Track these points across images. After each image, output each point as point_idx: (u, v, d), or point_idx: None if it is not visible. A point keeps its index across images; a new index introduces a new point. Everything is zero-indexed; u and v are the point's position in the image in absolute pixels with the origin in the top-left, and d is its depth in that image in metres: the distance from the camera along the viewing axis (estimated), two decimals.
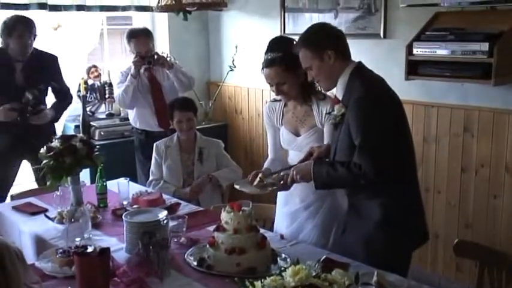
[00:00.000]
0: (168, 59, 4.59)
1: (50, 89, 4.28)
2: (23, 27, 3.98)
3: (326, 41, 2.56)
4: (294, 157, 3.00)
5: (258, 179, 2.77)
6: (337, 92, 2.61)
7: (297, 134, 2.99)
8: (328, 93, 2.87)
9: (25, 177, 4.53)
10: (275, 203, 3.22)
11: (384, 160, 2.42)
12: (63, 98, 4.37)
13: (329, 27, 2.65)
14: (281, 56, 2.81)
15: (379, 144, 2.42)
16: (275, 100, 3.11)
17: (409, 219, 2.57)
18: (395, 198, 2.51)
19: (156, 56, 4.41)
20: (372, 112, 2.42)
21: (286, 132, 3.02)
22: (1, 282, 1.64)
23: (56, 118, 4.29)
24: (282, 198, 3.11)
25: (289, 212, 3.04)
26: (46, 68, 4.18)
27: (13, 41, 4.00)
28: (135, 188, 3.51)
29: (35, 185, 4.16)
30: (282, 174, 2.77)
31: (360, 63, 2.59)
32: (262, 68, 2.91)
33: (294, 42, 2.75)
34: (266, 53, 2.90)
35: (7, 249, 1.68)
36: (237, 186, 2.85)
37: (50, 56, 4.26)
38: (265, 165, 3.13)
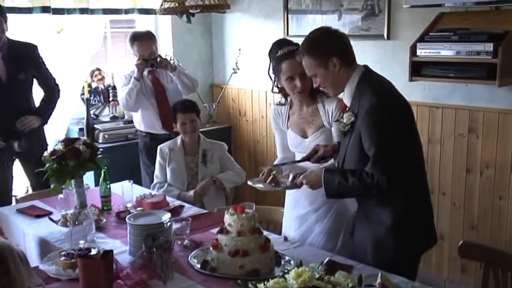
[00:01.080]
0: (171, 61, 4.60)
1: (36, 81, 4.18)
2: None
3: (330, 48, 2.49)
4: None
5: (272, 176, 2.76)
6: (344, 98, 2.56)
7: (304, 136, 2.96)
8: None
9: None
10: (281, 205, 3.21)
11: (398, 170, 2.40)
12: (50, 95, 4.22)
13: (333, 32, 2.57)
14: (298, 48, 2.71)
15: (392, 155, 2.40)
16: (280, 103, 3.09)
17: (419, 223, 2.56)
18: (407, 204, 2.49)
19: (159, 59, 4.41)
20: (385, 123, 2.38)
21: (294, 134, 3.00)
22: (5, 285, 1.64)
23: (45, 120, 4.17)
24: (290, 201, 3.10)
25: (298, 215, 3.02)
26: (25, 55, 4.08)
27: None
28: (138, 190, 3.51)
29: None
30: (293, 175, 2.76)
31: (366, 67, 2.55)
32: (280, 63, 2.84)
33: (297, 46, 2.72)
34: (279, 48, 2.85)
35: (11, 252, 1.68)
36: (250, 183, 2.83)
37: (27, 44, 4.17)
38: (275, 163, 3.10)
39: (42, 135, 4.18)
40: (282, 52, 2.85)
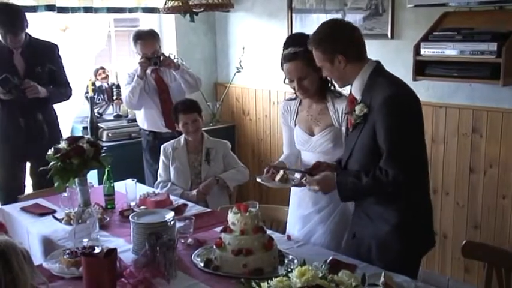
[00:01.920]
0: (175, 60, 4.60)
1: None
2: (5, 30, 3.92)
3: (336, 44, 2.47)
4: (306, 158, 2.98)
5: (281, 172, 2.76)
6: (353, 90, 2.55)
7: (311, 134, 2.95)
8: (343, 91, 2.84)
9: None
10: (285, 204, 3.21)
11: (413, 165, 2.40)
12: (62, 87, 4.26)
13: (342, 27, 2.55)
14: (303, 50, 2.73)
15: (409, 149, 2.39)
16: (290, 99, 3.09)
17: (422, 223, 2.56)
18: (412, 202, 2.48)
19: (162, 57, 4.42)
20: (402, 113, 2.38)
21: (301, 132, 2.99)
22: (8, 283, 1.64)
23: (50, 99, 4.16)
24: (294, 201, 3.09)
25: (302, 215, 3.01)
26: (44, 52, 4.14)
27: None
28: (142, 189, 3.52)
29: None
30: (302, 172, 2.75)
31: (379, 63, 2.53)
32: (282, 63, 2.87)
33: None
34: (286, 48, 2.85)
35: (14, 250, 1.68)
36: (259, 180, 2.82)
37: (48, 43, 4.24)
38: (280, 159, 3.11)
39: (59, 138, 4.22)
40: (285, 53, 2.85)
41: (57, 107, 4.33)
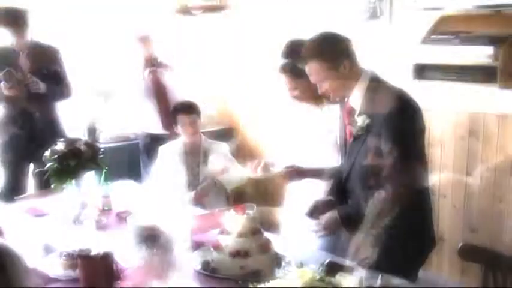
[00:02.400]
0: (172, 62, 4.61)
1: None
2: (11, 31, 4.03)
3: (341, 50, 2.48)
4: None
5: (262, 163, 2.77)
6: (351, 101, 2.53)
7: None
8: None
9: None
10: (282, 206, 3.21)
11: (417, 175, 2.39)
12: (63, 86, 4.33)
13: (337, 35, 2.56)
14: (289, 63, 2.76)
15: (415, 159, 2.40)
16: None
17: (425, 227, 2.56)
18: (412, 205, 2.48)
19: (159, 59, 4.42)
20: (411, 126, 2.39)
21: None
22: (2, 286, 1.63)
23: (49, 96, 4.21)
24: (291, 203, 3.09)
25: (299, 217, 3.02)
26: (47, 55, 4.22)
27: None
28: (139, 190, 3.51)
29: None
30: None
31: (373, 71, 2.53)
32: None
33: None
34: (280, 56, 2.88)
35: (8, 254, 1.67)
36: (241, 174, 2.84)
37: (51, 46, 4.30)
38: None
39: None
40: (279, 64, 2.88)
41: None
